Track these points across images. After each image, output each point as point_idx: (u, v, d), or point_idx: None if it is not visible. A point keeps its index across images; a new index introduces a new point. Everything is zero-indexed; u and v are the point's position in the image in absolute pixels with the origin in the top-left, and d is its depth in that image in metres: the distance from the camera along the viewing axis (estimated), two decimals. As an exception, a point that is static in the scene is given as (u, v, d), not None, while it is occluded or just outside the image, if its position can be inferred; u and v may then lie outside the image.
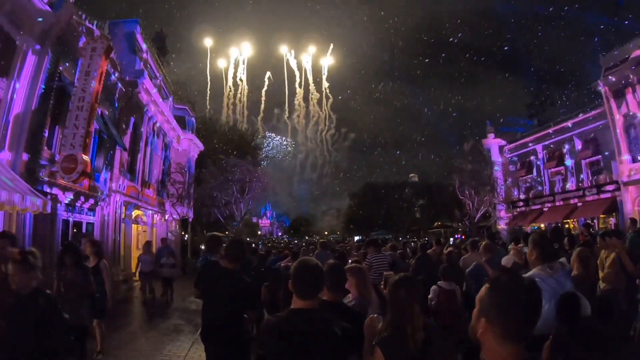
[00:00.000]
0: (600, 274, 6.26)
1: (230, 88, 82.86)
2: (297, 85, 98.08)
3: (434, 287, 5.78)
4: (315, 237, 68.53)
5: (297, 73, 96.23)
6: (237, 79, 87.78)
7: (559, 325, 3.09)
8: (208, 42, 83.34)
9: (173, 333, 9.76)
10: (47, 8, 11.29)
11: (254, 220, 74.56)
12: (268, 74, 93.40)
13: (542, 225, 27.37)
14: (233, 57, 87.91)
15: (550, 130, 28.93)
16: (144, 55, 20.75)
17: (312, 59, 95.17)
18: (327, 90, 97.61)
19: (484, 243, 7.56)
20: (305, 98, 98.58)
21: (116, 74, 16.16)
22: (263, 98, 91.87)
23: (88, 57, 12.26)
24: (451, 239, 29.87)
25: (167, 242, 16.63)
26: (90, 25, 13.46)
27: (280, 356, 2.60)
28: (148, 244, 15.01)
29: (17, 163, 10.73)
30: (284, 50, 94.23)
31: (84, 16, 13.07)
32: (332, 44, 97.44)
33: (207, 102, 65.29)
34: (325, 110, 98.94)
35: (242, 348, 4.58)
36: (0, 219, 10.02)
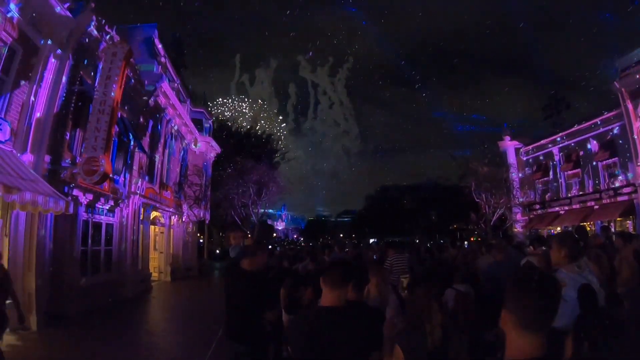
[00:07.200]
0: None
1: (253, 100, 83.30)
2: (319, 96, 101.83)
3: (448, 289, 5.65)
4: (329, 239, 68.79)
5: (319, 84, 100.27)
6: (260, 95, 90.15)
7: (581, 314, 3.18)
8: (234, 56, 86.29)
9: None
10: (68, 14, 11.54)
11: (269, 222, 74.85)
12: (291, 85, 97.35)
13: (559, 228, 27.07)
14: (257, 68, 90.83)
15: (566, 133, 28.65)
16: (162, 59, 21.04)
17: (333, 71, 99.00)
18: (347, 99, 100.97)
19: (495, 243, 7.55)
20: (327, 107, 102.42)
21: (135, 78, 16.43)
22: (289, 108, 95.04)
23: (109, 62, 12.48)
24: (466, 242, 29.72)
25: None
26: (110, 30, 13.72)
27: (307, 352, 2.72)
28: None
29: (39, 165, 10.97)
30: (305, 61, 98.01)
31: (103, 21, 13.33)
32: (351, 58, 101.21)
33: (239, 116, 64.81)
34: (344, 116, 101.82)
35: (263, 347, 4.71)
36: (22, 219, 10.26)
